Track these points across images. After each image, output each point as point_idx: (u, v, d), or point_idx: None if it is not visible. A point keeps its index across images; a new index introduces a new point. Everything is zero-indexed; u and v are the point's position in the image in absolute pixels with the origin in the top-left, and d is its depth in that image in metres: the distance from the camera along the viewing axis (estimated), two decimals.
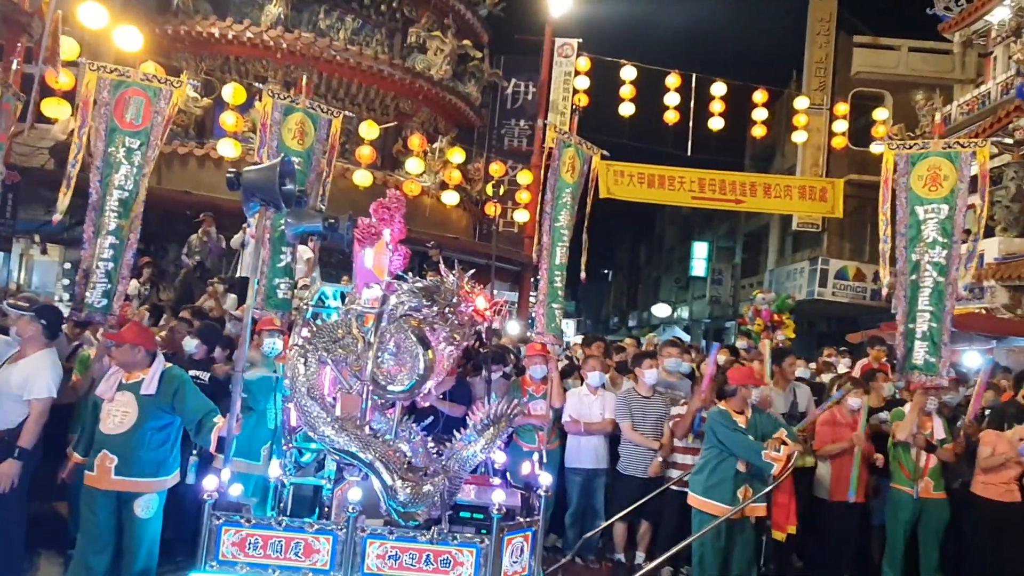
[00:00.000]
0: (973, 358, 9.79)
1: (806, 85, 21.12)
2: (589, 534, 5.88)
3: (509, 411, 4.18)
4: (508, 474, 4.63)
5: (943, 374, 5.62)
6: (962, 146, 5.67)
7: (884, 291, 6.03)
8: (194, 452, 5.05)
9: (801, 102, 16.90)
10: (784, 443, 5.09)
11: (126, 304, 6.03)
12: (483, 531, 3.77)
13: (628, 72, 15.31)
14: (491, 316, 4.23)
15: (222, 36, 13.19)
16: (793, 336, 12.36)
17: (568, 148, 5.99)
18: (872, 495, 6.15)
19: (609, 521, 5.91)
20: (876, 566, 6.17)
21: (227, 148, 10.95)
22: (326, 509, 4.28)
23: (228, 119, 10.97)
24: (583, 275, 6.00)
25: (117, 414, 4.28)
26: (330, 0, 14.58)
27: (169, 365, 4.49)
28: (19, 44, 6.65)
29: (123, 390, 4.33)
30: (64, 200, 5.26)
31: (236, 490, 3.81)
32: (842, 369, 8.53)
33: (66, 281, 10.96)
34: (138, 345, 4.34)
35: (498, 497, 3.87)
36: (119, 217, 5.18)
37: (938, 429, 5.77)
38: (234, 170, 3.86)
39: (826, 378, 7.64)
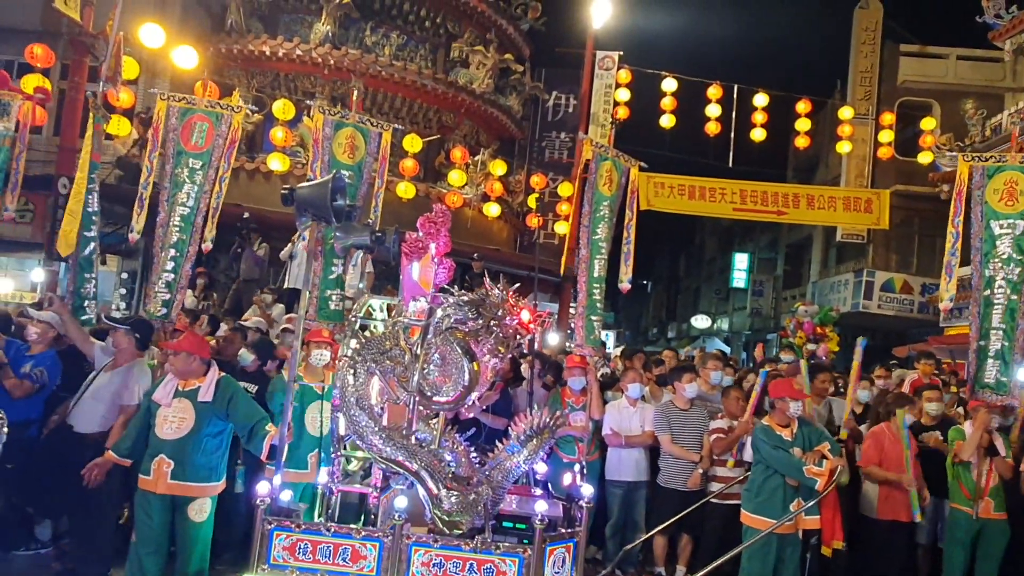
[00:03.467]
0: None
1: (851, 95, 20.80)
2: (629, 547, 5.89)
3: (551, 422, 4.25)
4: (550, 485, 4.67)
5: (1015, 393, 5.50)
6: None
7: (944, 304, 5.92)
8: (239, 461, 5.24)
9: (846, 112, 16.67)
10: (825, 457, 5.06)
11: (181, 314, 6.28)
12: (525, 541, 3.83)
13: (669, 84, 15.30)
14: (536, 329, 4.30)
15: (272, 54, 13.58)
16: (837, 350, 12.16)
17: (605, 161, 6.05)
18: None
19: (650, 534, 5.92)
20: None
21: (276, 162, 11.27)
22: (372, 517, 4.38)
23: (277, 134, 11.29)
24: (625, 285, 6.03)
25: (174, 420, 4.46)
26: (376, 17, 14.89)
27: (223, 374, 4.66)
28: (85, 64, 7.00)
29: (180, 397, 4.51)
30: (140, 220, 5.59)
31: (287, 496, 3.94)
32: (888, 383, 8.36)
33: (123, 291, 11.37)
34: (194, 354, 4.52)
35: (541, 507, 3.93)
36: (180, 232, 5.45)
37: (999, 447, 5.64)
38: (288, 187, 4.01)
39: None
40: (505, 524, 4.22)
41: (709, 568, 5.07)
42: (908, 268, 20.89)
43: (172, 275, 5.45)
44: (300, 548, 3.83)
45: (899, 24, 21.37)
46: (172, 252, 5.42)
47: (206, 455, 4.49)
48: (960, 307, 10.91)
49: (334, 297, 5.90)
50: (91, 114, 5.71)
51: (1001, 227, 5.54)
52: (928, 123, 16.91)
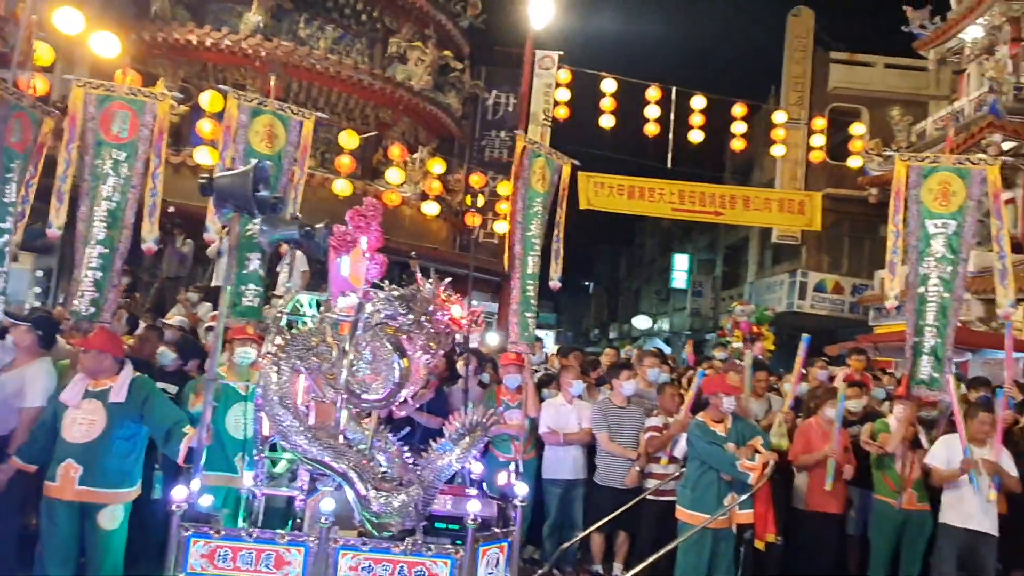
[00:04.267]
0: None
1: (784, 100, 21.37)
2: (566, 545, 5.85)
3: (484, 420, 4.16)
4: (484, 485, 4.59)
5: (946, 389, 5.63)
6: (973, 163, 5.71)
7: (890, 303, 6.04)
8: (156, 466, 4.97)
9: (779, 116, 17.09)
10: (758, 451, 5.11)
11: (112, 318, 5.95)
12: (458, 542, 3.74)
13: (608, 84, 15.41)
14: (467, 325, 4.21)
15: (200, 43, 13.11)
16: (773, 348, 12.45)
17: (538, 158, 6.00)
18: (848, 505, 6.17)
19: (586, 532, 5.89)
20: None
21: (204, 156, 10.86)
22: (298, 520, 4.22)
23: (205, 126, 10.88)
24: (555, 283, 5.99)
25: (84, 422, 4.19)
26: (311, 9, 14.55)
27: (138, 374, 4.41)
28: None
29: (89, 398, 4.25)
30: (60, 214, 5.25)
31: (206, 501, 3.74)
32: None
33: (38, 289, 10.80)
34: (106, 352, 4.27)
35: (473, 507, 3.84)
36: (108, 227, 5.16)
37: (922, 439, 5.79)
38: (207, 176, 3.81)
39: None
40: (438, 525, 4.11)
41: (645, 564, 5.07)
42: (839, 269, 21.57)
43: (100, 272, 5.15)
44: (220, 555, 3.64)
45: (830, 32, 22.11)
46: (99, 249, 5.13)
47: (118, 459, 4.24)
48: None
49: (248, 292, 5.67)
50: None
51: (936, 226, 5.69)
52: (857, 128, 17.51)
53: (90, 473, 4.15)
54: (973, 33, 16.57)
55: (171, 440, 4.21)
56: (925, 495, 5.61)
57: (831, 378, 7.75)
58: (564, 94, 16.09)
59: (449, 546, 3.73)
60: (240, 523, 4.31)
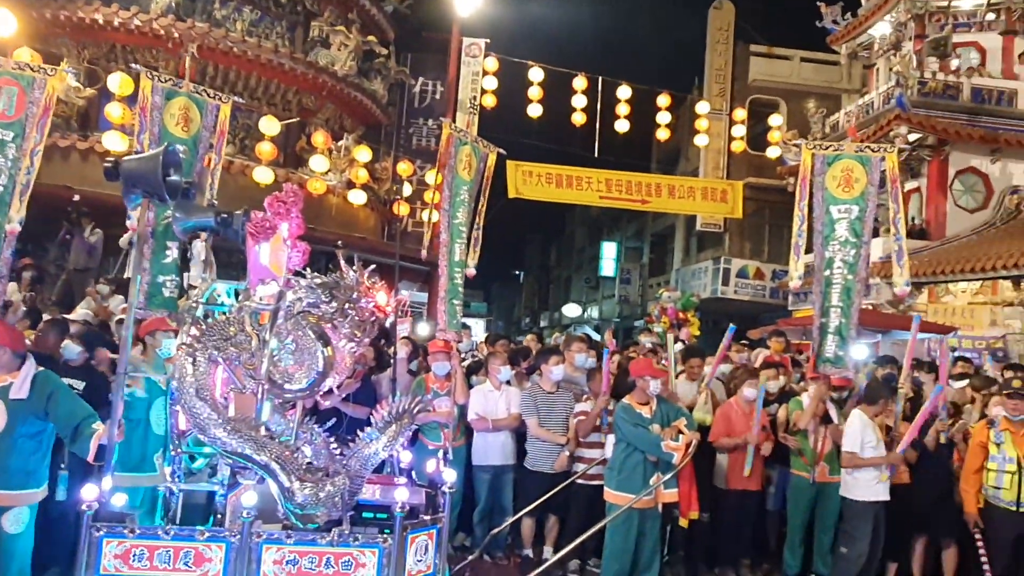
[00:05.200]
0: (860, 351, 10.34)
1: (707, 91, 21.89)
2: (496, 530, 5.87)
3: (411, 408, 4.12)
4: (413, 473, 4.56)
5: (850, 367, 5.90)
6: (872, 150, 5.95)
7: (794, 284, 6.25)
8: (62, 465, 4.72)
9: (702, 107, 17.52)
10: (682, 432, 5.24)
11: (7, 309, 5.59)
12: (386, 531, 3.69)
13: (536, 73, 15.46)
14: (392, 312, 4.16)
15: (107, 23, 12.42)
16: (698, 333, 12.78)
17: (464, 146, 5.97)
18: (767, 482, 6.41)
19: (516, 516, 5.92)
20: (772, 551, 6.43)
21: (113, 141, 10.33)
22: (219, 516, 4.09)
23: (114, 111, 10.36)
24: (471, 270, 5.98)
25: None
26: None
27: (41, 368, 4.17)
28: None
29: None
30: None
31: (119, 500, 3.58)
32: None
33: None
34: (3, 346, 4.01)
35: (401, 495, 3.80)
36: None
37: (832, 415, 6.06)
38: (112, 159, 3.62)
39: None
40: (366, 515, 4.06)
41: (573, 544, 5.13)
42: (760, 256, 22.30)
43: None
44: (135, 554, 3.49)
45: (750, 25, 22.72)
46: None
47: (21, 458, 4.00)
48: (806, 291, 11.73)
49: (168, 283, 5.45)
50: None
51: (839, 212, 5.93)
52: (775, 120, 18.11)
53: None
54: (881, 29, 17.34)
55: (79, 437, 4.00)
56: (837, 468, 5.87)
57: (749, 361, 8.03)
58: (491, 82, 16.06)
59: (377, 535, 3.69)
60: (158, 522, 4.14)
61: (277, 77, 13.94)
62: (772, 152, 17.79)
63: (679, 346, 7.34)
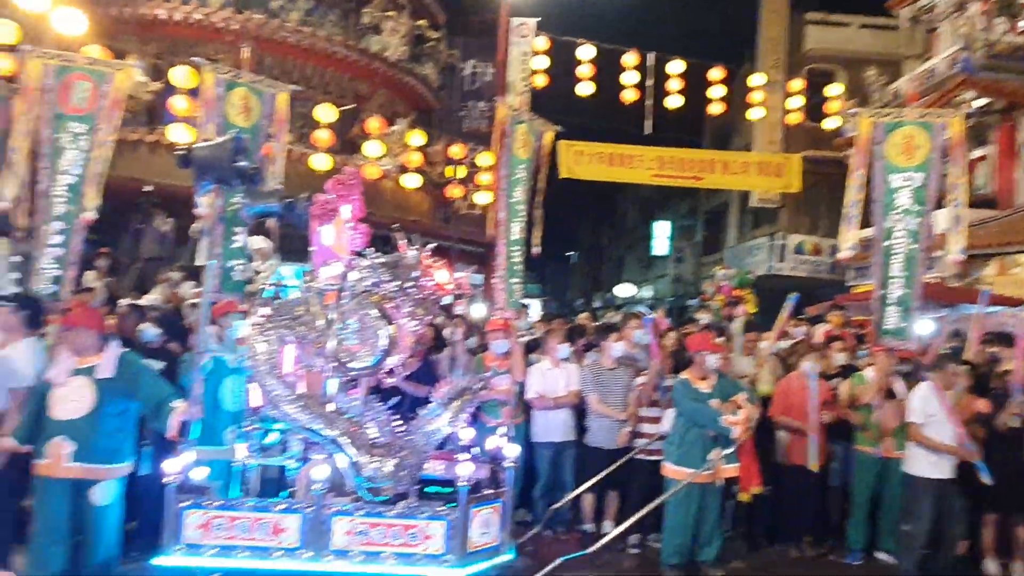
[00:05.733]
0: (926, 325, 10.06)
1: (761, 62, 21.31)
2: (557, 505, 5.94)
3: (473, 385, 4.21)
4: (475, 449, 4.64)
5: (913, 339, 5.77)
6: (936, 117, 5.79)
7: (845, 255, 6.14)
8: (146, 441, 4.98)
9: (757, 79, 17.09)
10: (740, 407, 5.21)
11: (87, 295, 5.89)
12: (451, 504, 3.79)
13: (586, 51, 15.30)
14: (453, 289, 4.23)
15: (169, 18, 12.84)
16: (755, 311, 12.60)
17: (520, 124, 6.01)
18: (829, 458, 6.32)
19: (576, 492, 5.98)
20: (835, 527, 6.36)
21: (179, 133, 10.69)
22: (292, 489, 4.26)
23: (179, 103, 10.70)
24: (536, 249, 6.03)
25: (73, 399, 4.18)
26: None
27: (126, 350, 4.40)
28: None
29: (76, 375, 4.24)
30: (11, 186, 5.13)
31: (199, 474, 3.77)
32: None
33: (17, 274, 10.63)
34: (89, 328, 4.25)
35: (465, 470, 3.90)
36: (67, 202, 5.07)
37: (900, 389, 5.93)
38: (184, 147, 3.78)
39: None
40: (430, 489, 4.18)
41: (633, 519, 5.17)
42: (817, 231, 21.73)
43: (61, 249, 5.09)
44: (215, 525, 3.69)
45: None
46: (59, 224, 5.06)
47: (108, 435, 4.24)
48: (865, 266, 11.42)
49: (237, 268, 5.66)
50: None
51: (901, 180, 5.78)
52: (833, 89, 17.54)
53: (82, 450, 4.15)
54: None
55: (161, 415, 4.22)
56: (902, 443, 5.76)
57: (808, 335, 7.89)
58: (541, 62, 15.96)
59: (442, 508, 3.80)
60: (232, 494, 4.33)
61: (331, 65, 14.17)
62: (830, 123, 17.26)
63: (740, 321, 7.29)
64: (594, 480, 5.86)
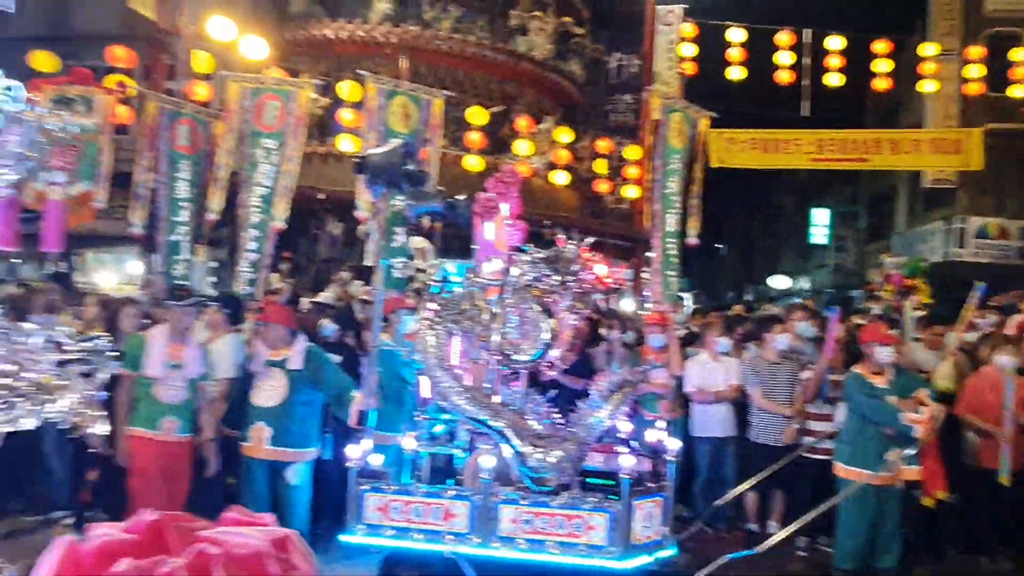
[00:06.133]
0: None
1: (932, 30, 19.56)
2: (719, 501, 5.80)
3: (633, 378, 4.22)
4: (635, 443, 4.64)
5: None
6: None
7: None
8: (327, 429, 5.40)
9: (928, 49, 15.68)
10: (923, 404, 4.84)
11: (275, 296, 6.48)
12: (612, 496, 3.83)
13: (736, 34, 14.74)
14: (612, 283, 4.26)
15: (336, 37, 13.77)
16: (929, 301, 11.62)
17: (674, 113, 5.93)
18: None
19: (740, 489, 5.81)
20: None
21: (347, 144, 11.45)
22: (459, 478, 4.45)
23: (346, 115, 11.45)
24: (693, 240, 5.89)
25: (269, 389, 4.64)
26: None
27: (311, 344, 4.81)
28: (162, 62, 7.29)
29: (271, 366, 4.69)
30: (217, 200, 5.79)
31: (376, 459, 4.04)
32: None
33: (213, 278, 11.83)
34: (280, 324, 4.68)
35: (627, 462, 3.92)
36: (260, 212, 5.64)
37: None
38: (359, 155, 4.07)
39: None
40: (590, 481, 4.23)
41: (803, 521, 4.95)
42: (1004, 212, 19.68)
43: (255, 255, 5.67)
44: (393, 508, 3.94)
45: None
46: (254, 232, 5.64)
47: (299, 421, 4.66)
48: None
49: (398, 265, 6.00)
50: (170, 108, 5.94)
51: None
52: (1020, 54, 15.75)
53: (278, 434, 4.59)
54: None
55: (343, 404, 4.58)
56: None
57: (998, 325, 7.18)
58: (689, 49, 15.56)
59: (605, 500, 3.84)
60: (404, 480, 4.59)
61: (480, 69, 14.58)
62: (1015, 92, 15.51)
63: (918, 314, 6.77)
64: (758, 477, 5.66)
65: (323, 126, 13.30)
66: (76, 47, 10.68)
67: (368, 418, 4.34)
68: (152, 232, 6.57)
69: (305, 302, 6.94)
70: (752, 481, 5.70)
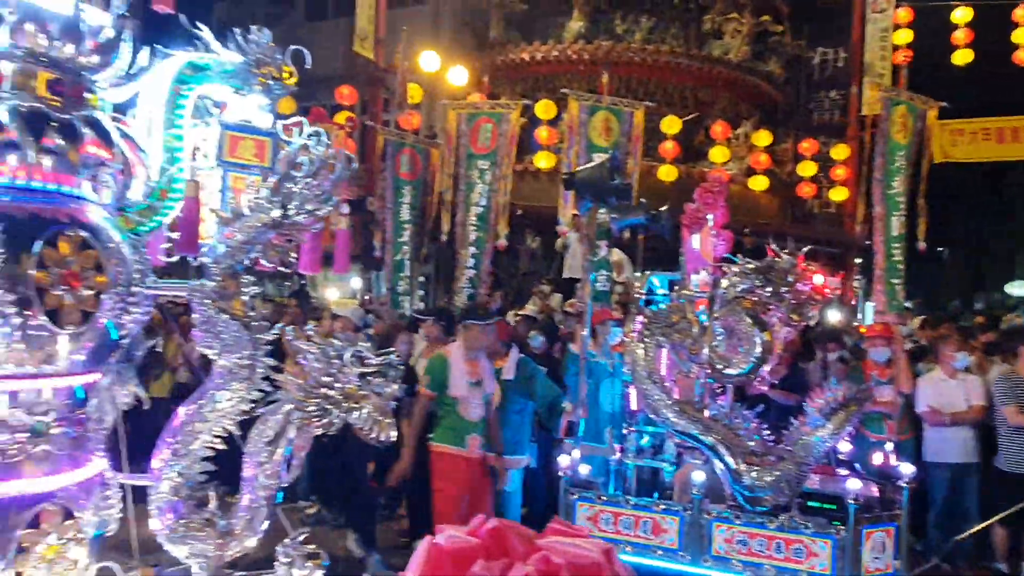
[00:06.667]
0: None
1: None
2: (960, 537, 5.24)
3: (858, 395, 3.95)
4: (856, 466, 4.35)
5: None
6: None
7: None
8: (531, 439, 5.55)
9: None
10: None
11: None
12: (836, 523, 3.61)
13: (962, 14, 13.28)
14: (830, 293, 4.04)
15: (531, 59, 14.21)
16: None
17: (898, 105, 5.45)
18: None
19: (986, 523, 5.20)
20: None
21: (543, 160, 11.80)
22: (668, 492, 4.40)
23: (542, 133, 11.81)
24: (922, 245, 5.37)
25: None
26: (625, 6, 14.90)
27: (523, 355, 5.01)
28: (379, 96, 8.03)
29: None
30: (445, 222, 6.29)
31: (584, 469, 4.11)
32: None
33: (421, 292, 12.69)
34: (498, 337, 4.91)
35: (854, 486, 3.68)
36: (477, 230, 6.03)
37: None
38: (569, 171, 4.20)
39: None
40: (810, 504, 4.01)
41: None
42: None
43: (473, 271, 6.05)
44: (603, 519, 3.98)
45: None
46: (472, 250, 6.04)
47: (512, 429, 4.85)
48: None
49: (601, 278, 6.05)
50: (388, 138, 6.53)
51: None
52: None
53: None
54: None
55: (553, 415, 4.71)
56: None
57: None
58: (904, 36, 14.25)
59: (828, 526, 3.62)
60: (612, 491, 4.62)
61: (673, 77, 14.36)
62: None
63: None
64: (1009, 511, 5.03)
65: (520, 144, 13.82)
66: (312, 89, 12.04)
67: (577, 428, 4.42)
68: (376, 252, 7.23)
69: (514, 315, 7.23)
70: (1001, 515, 5.08)
